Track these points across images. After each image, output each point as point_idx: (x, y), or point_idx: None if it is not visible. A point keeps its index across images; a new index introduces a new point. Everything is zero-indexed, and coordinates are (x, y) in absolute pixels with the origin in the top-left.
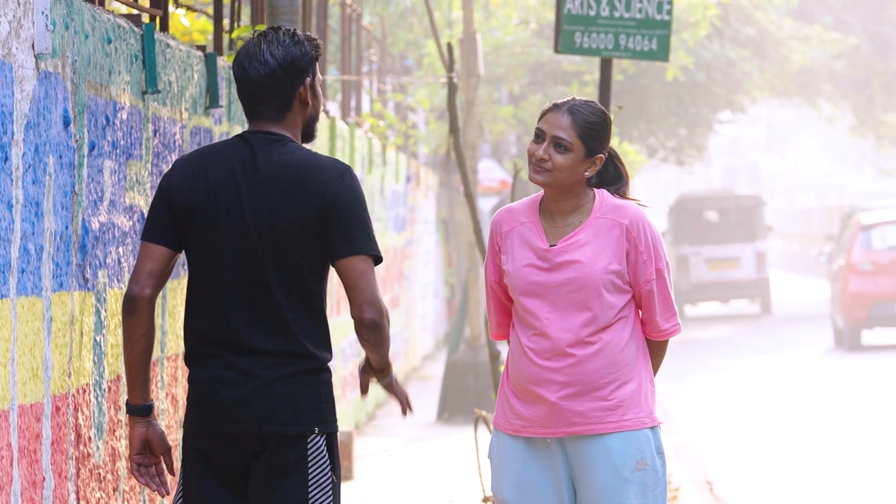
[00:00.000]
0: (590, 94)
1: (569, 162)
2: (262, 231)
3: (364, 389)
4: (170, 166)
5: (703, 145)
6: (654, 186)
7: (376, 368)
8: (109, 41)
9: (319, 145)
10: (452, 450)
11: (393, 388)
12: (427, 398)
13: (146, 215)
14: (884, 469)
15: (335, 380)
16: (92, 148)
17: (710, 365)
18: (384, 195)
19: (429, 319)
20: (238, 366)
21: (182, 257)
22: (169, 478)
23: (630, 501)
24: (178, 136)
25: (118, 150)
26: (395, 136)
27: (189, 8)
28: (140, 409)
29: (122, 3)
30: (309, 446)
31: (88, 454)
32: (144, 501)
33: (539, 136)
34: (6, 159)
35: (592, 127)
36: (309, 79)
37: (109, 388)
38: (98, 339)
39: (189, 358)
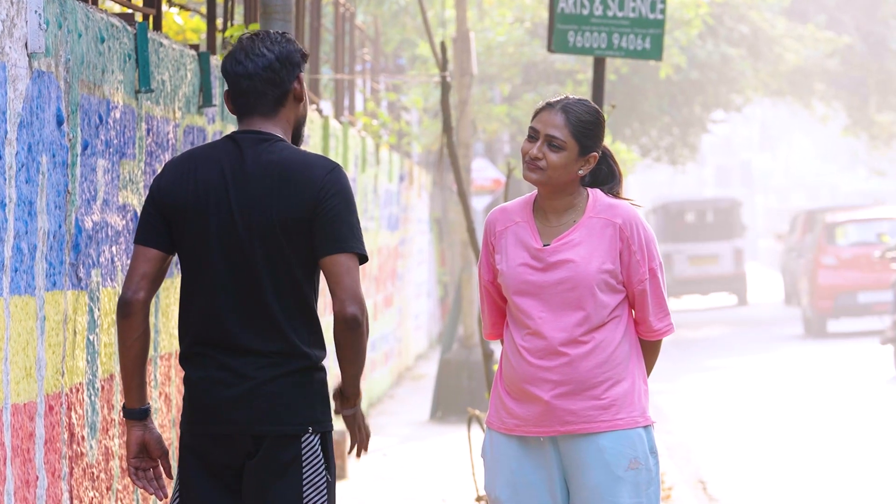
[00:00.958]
0: (583, 93)
1: (562, 160)
2: (251, 230)
3: (337, 413)
4: (162, 166)
5: (696, 144)
6: (648, 186)
7: (345, 392)
8: (103, 40)
9: (313, 144)
10: (446, 449)
11: (356, 421)
12: (420, 397)
13: (139, 218)
14: (875, 464)
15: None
16: (85, 147)
17: (703, 364)
18: (377, 194)
19: (422, 318)
20: (231, 366)
21: (175, 258)
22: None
23: (623, 500)
24: (171, 135)
25: (111, 150)
26: (389, 135)
27: (182, 7)
28: (136, 413)
29: (116, 2)
30: (303, 446)
31: (82, 453)
32: (138, 501)
33: (533, 134)
34: None
35: (586, 125)
36: (301, 74)
37: (103, 387)
38: (91, 338)
39: (183, 358)
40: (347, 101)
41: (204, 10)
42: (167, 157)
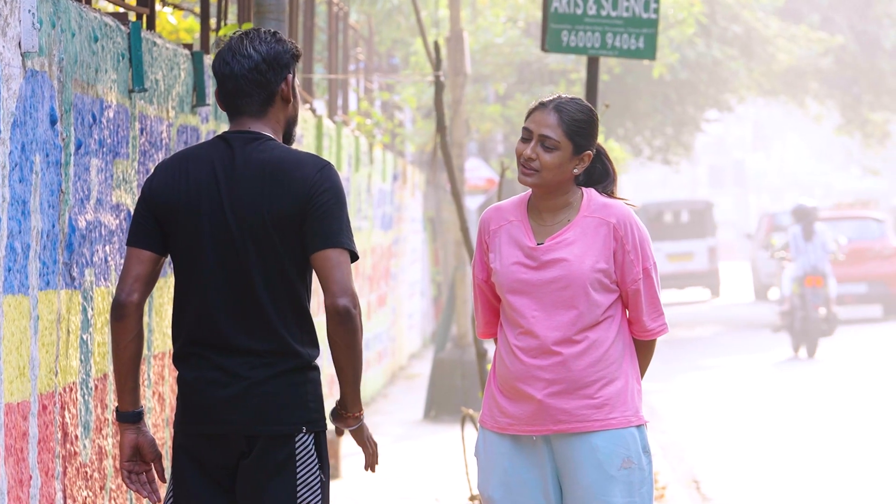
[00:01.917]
0: (577, 92)
1: (557, 160)
2: (243, 229)
3: (339, 434)
4: (154, 167)
5: (689, 144)
6: (641, 185)
7: (346, 404)
8: (96, 39)
9: (307, 144)
10: (439, 448)
11: (363, 435)
12: (414, 397)
13: (131, 220)
14: (869, 462)
15: (322, 377)
16: (79, 146)
17: (696, 364)
18: (371, 193)
19: (416, 318)
20: (224, 366)
21: (168, 258)
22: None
23: (616, 499)
24: (164, 135)
25: (105, 149)
26: (382, 135)
27: (176, 6)
28: (130, 416)
29: (109, 1)
30: (297, 446)
31: (75, 452)
32: (131, 500)
33: (526, 136)
34: None
35: (579, 124)
36: (290, 76)
37: (96, 387)
38: (85, 337)
39: (177, 358)
40: (341, 100)
41: (197, 9)
42: (161, 156)
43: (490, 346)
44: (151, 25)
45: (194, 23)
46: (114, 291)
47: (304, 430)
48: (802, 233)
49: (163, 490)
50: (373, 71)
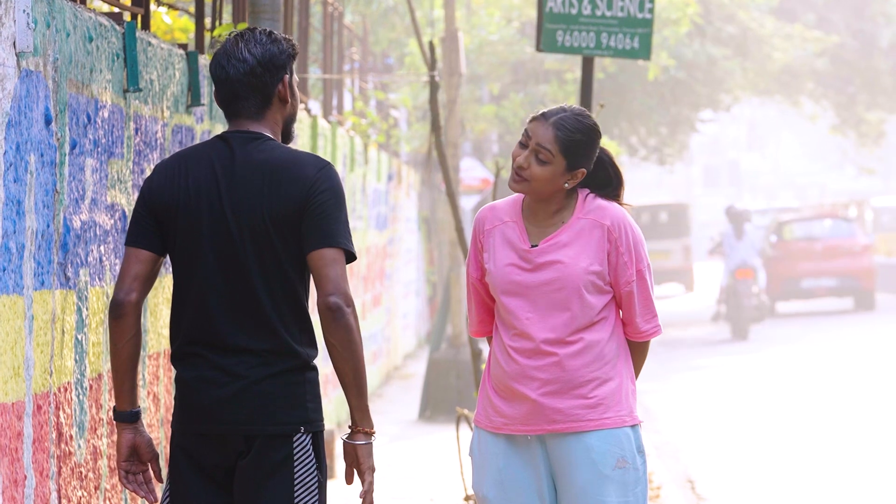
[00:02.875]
0: (571, 92)
1: (547, 174)
2: (242, 229)
3: (349, 479)
4: (151, 165)
5: (684, 144)
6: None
7: (356, 419)
8: (91, 39)
9: (302, 143)
10: (434, 448)
11: (366, 462)
12: (409, 396)
13: (129, 220)
14: (865, 460)
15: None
16: (73, 146)
17: (690, 364)
18: (366, 193)
19: (410, 318)
20: (222, 366)
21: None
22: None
23: (610, 499)
24: (159, 135)
25: (100, 149)
26: (377, 135)
27: (171, 6)
28: (127, 416)
29: (104, 1)
30: (295, 446)
31: (70, 452)
32: (126, 500)
33: (524, 141)
34: None
35: (576, 144)
36: (287, 76)
37: (91, 387)
38: (79, 337)
39: (175, 358)
40: (336, 100)
41: (192, 9)
42: (155, 156)
43: (485, 346)
44: (146, 25)
45: (189, 23)
46: (109, 291)
47: (302, 431)
48: (734, 232)
49: (159, 490)
50: (368, 71)
